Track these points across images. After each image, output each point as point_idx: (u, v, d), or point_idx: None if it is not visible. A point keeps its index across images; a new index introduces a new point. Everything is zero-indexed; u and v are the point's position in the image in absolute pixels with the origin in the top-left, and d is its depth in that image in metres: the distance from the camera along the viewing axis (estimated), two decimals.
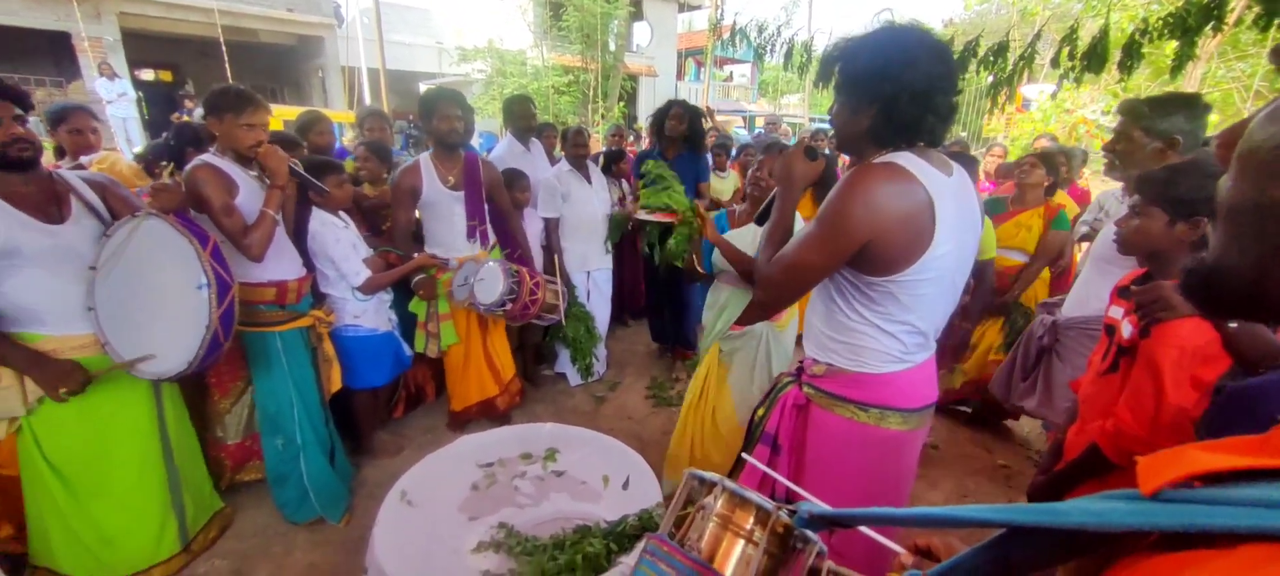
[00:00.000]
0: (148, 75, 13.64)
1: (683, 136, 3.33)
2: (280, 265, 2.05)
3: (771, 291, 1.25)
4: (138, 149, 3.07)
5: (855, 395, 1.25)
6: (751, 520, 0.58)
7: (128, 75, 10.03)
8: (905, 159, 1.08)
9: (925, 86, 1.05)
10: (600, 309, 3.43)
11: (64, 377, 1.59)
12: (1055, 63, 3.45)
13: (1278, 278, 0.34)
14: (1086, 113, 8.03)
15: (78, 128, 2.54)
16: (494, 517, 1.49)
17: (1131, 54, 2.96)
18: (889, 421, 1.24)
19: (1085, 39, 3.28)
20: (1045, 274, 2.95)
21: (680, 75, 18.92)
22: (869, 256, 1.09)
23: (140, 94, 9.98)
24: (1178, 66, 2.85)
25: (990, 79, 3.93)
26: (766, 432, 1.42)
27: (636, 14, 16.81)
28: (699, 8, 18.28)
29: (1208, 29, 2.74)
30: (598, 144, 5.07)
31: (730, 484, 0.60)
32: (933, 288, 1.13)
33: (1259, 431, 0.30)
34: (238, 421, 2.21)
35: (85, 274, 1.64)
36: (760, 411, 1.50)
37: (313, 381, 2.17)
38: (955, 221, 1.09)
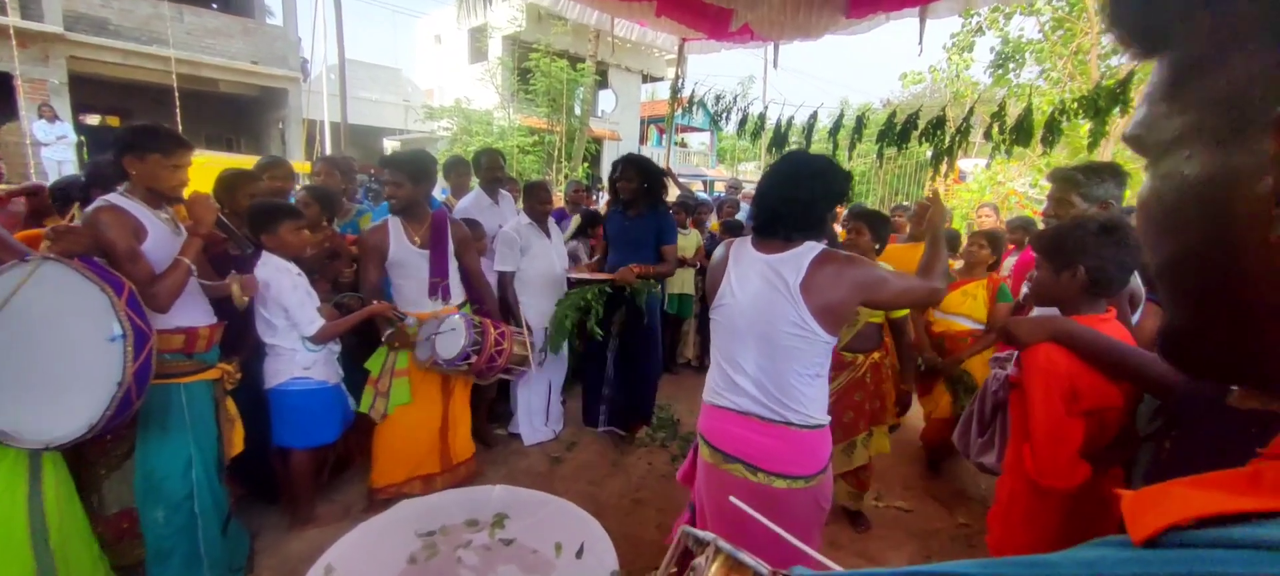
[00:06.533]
0: (92, 119, 13.15)
1: (639, 194, 3.03)
2: (190, 311, 1.89)
3: None
4: (50, 184, 2.87)
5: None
6: None
7: (71, 119, 9.62)
8: (745, 239, 1.55)
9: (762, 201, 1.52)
10: (557, 367, 3.34)
11: None
12: (988, 136, 3.74)
13: (1220, 331, 0.34)
14: (1016, 185, 8.72)
15: None
16: None
17: (1052, 131, 3.26)
18: (702, 445, 1.55)
19: (1011, 117, 3.59)
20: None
21: (643, 140, 19.64)
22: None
23: (82, 138, 9.56)
24: (1093, 143, 3.14)
25: (930, 153, 4.22)
26: None
27: (602, 83, 17.55)
28: (661, 79, 19.25)
29: (1115, 111, 3.05)
30: (559, 200, 5.11)
31: (725, 545, 0.56)
32: (720, 329, 1.52)
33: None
34: (115, 491, 1.93)
35: None
36: None
37: (215, 441, 1.98)
38: (744, 281, 1.46)
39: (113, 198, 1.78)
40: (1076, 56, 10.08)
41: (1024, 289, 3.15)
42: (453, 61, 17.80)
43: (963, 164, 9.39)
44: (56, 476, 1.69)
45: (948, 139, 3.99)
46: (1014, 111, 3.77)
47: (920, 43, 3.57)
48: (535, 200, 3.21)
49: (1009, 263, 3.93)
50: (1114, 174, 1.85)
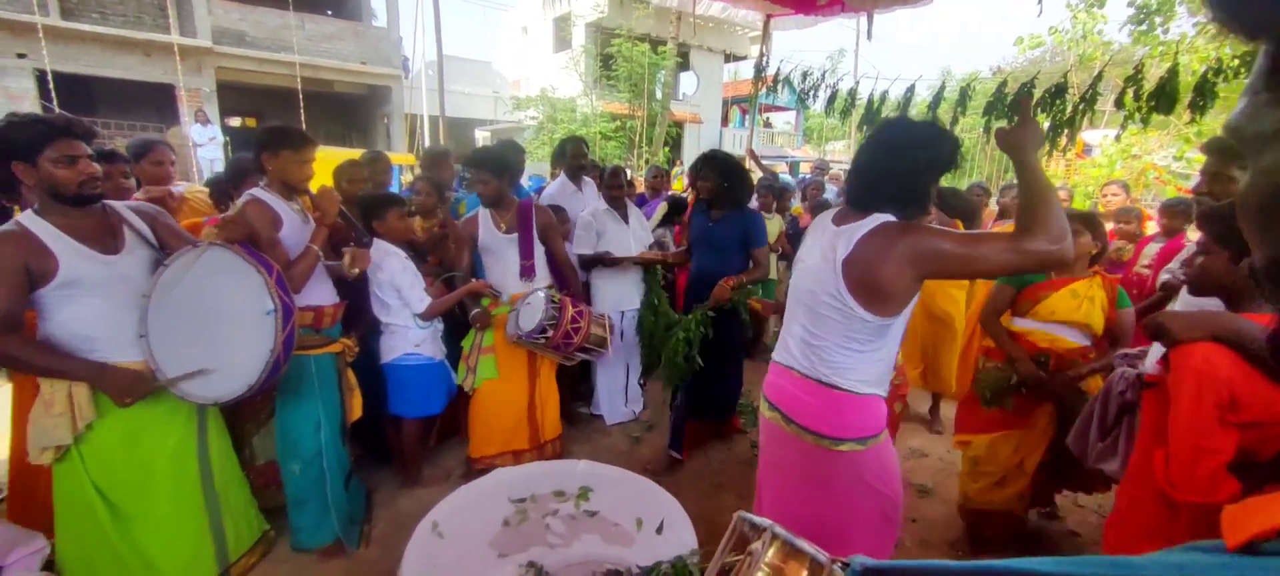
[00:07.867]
0: (235, 122, 15.01)
1: (719, 194, 2.76)
2: (318, 291, 2.14)
3: None
4: (205, 180, 3.27)
5: None
6: (804, 574, 0.54)
7: (218, 122, 11.07)
8: (831, 210, 1.52)
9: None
10: (633, 351, 3.41)
11: (130, 386, 1.66)
12: (1119, 104, 3.29)
13: None
14: (1155, 159, 7.58)
15: (159, 160, 2.66)
16: (523, 556, 1.46)
17: (1204, 94, 2.81)
18: (762, 401, 1.61)
19: (1151, 81, 3.13)
20: None
21: (725, 122, 19.25)
22: None
23: (227, 138, 10.96)
24: None
25: (1048, 125, 3.79)
26: None
27: (683, 65, 17.36)
28: (744, 58, 18.70)
29: None
30: (640, 185, 5.16)
31: (781, 531, 0.57)
32: (791, 292, 1.55)
33: None
34: (262, 444, 2.30)
35: (138, 302, 1.69)
36: None
37: (338, 406, 2.22)
38: (810, 250, 1.49)
39: (256, 191, 2.04)
40: None
41: (1164, 276, 2.74)
42: (538, 51, 18.35)
43: (1087, 136, 8.31)
44: (218, 429, 2.01)
45: (1069, 108, 3.55)
46: (1155, 74, 3.28)
47: (1040, 1, 3.19)
48: (610, 185, 3.30)
49: (1150, 250, 3.45)
50: None
